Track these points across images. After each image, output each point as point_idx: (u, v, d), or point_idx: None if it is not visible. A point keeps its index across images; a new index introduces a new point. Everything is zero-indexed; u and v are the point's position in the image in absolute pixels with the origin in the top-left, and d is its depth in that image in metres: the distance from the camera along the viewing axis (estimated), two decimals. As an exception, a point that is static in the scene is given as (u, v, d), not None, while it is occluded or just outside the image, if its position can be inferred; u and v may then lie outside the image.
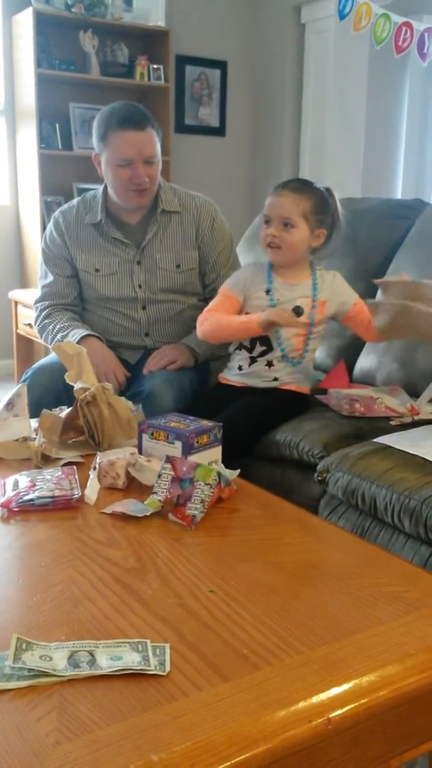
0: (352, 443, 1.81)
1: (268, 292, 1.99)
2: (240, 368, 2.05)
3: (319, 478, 1.76)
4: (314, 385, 2.15)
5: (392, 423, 1.91)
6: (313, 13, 4.72)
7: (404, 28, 4.12)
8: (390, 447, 1.72)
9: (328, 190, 1.97)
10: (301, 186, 1.95)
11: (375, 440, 1.78)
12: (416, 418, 1.92)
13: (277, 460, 1.94)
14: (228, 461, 1.48)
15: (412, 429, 1.86)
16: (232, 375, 2.07)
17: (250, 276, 2.03)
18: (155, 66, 4.50)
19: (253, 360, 2.02)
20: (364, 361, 2.35)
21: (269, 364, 2.01)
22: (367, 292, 2.41)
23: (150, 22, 4.45)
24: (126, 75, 4.46)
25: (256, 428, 1.96)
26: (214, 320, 2.01)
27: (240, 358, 2.05)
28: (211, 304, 2.07)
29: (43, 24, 4.11)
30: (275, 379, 2.02)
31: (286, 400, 2.02)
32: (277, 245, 1.94)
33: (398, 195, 5.31)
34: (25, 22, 4.10)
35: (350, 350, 2.39)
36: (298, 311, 1.98)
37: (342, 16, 4.07)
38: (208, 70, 4.99)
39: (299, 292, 1.99)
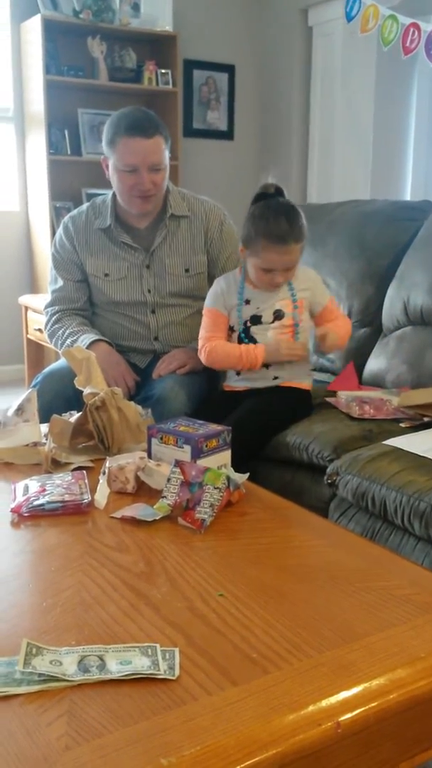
0: (362, 446, 1.80)
1: (248, 302, 2.01)
2: (238, 373, 2.06)
3: (329, 481, 1.75)
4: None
5: (402, 425, 1.91)
6: (321, 15, 4.73)
7: (412, 30, 4.11)
8: (400, 449, 1.72)
9: (296, 207, 1.97)
10: (298, 232, 1.92)
11: (385, 442, 1.77)
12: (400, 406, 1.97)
13: (286, 462, 1.94)
14: (237, 464, 1.48)
15: (422, 431, 1.85)
16: (234, 381, 2.09)
17: (225, 288, 2.06)
18: (163, 71, 4.52)
19: None
20: (374, 364, 2.34)
21: (266, 364, 2.01)
22: (376, 294, 2.42)
23: (157, 27, 4.47)
24: (134, 80, 4.48)
25: (263, 428, 1.96)
26: (219, 350, 2.02)
27: None
28: (208, 330, 2.06)
29: (52, 30, 4.14)
30: (275, 378, 2.03)
31: (290, 397, 2.03)
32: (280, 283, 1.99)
33: (407, 197, 5.30)
34: (33, 28, 4.13)
35: (360, 352, 2.39)
36: (278, 315, 2.00)
37: (349, 18, 4.07)
38: (216, 74, 5.00)
39: (277, 296, 2.01)
